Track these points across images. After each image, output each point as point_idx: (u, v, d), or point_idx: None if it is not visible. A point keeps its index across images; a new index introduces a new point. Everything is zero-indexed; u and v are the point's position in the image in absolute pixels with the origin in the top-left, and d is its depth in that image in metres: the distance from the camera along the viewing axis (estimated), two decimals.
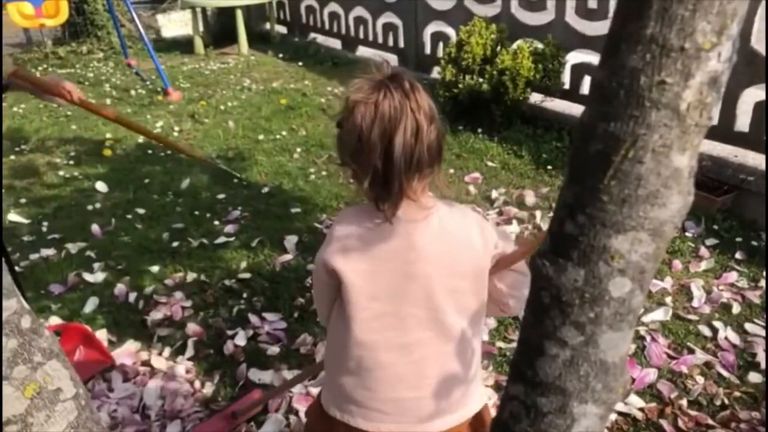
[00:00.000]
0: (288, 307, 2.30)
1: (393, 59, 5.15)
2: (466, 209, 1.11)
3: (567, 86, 3.77)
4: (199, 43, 6.40)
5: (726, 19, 0.56)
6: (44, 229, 2.94)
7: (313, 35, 6.46)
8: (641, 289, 0.69)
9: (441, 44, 4.58)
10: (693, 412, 1.79)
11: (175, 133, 4.20)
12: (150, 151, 3.83)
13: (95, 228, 2.91)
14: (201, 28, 6.52)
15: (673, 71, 0.57)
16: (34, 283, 2.49)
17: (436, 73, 4.36)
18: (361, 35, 5.62)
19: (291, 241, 2.74)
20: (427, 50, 4.86)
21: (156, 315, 2.27)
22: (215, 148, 3.92)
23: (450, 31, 4.53)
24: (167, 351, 2.11)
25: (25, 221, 3.03)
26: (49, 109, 4.58)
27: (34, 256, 2.70)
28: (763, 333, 2.08)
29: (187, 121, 4.42)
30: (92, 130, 4.20)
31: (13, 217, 3.05)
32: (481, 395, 1.16)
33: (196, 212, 3.05)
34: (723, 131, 2.90)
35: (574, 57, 3.76)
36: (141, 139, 3.93)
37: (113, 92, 5.17)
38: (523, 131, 3.73)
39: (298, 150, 3.79)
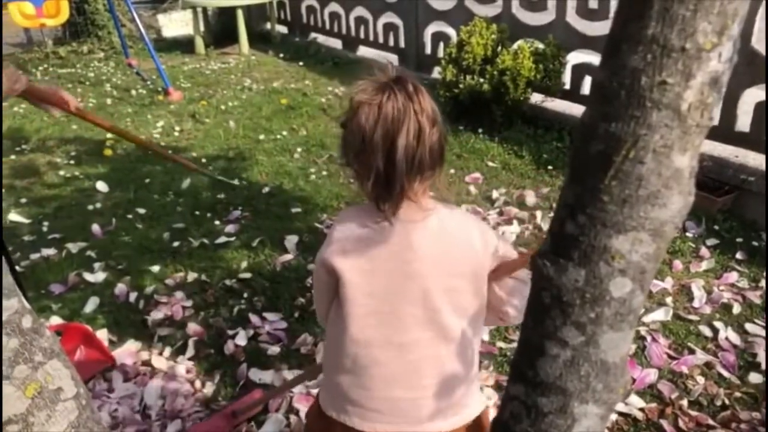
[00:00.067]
0: (288, 307, 2.30)
1: (393, 59, 5.15)
2: (467, 213, 1.12)
3: (568, 86, 3.77)
4: (199, 43, 6.40)
5: (727, 19, 0.56)
6: (45, 228, 2.94)
7: (313, 35, 6.46)
8: (642, 290, 0.69)
9: (441, 44, 4.58)
10: (693, 413, 1.78)
11: (176, 133, 4.20)
12: (150, 152, 3.83)
13: (96, 228, 2.92)
14: (202, 28, 6.52)
15: (674, 71, 0.57)
16: (35, 282, 2.49)
17: (436, 73, 4.36)
18: (362, 35, 5.62)
19: (291, 241, 2.74)
20: (428, 50, 4.85)
21: (156, 315, 2.27)
22: (216, 147, 3.92)
23: (451, 31, 4.53)
24: (168, 351, 2.11)
25: (26, 221, 3.03)
26: None
27: (34, 256, 2.70)
28: (763, 333, 2.08)
29: (187, 121, 4.42)
30: (93, 130, 4.20)
31: (13, 216, 3.05)
32: (480, 399, 1.15)
33: (197, 212, 3.05)
34: (724, 131, 2.90)
35: (575, 57, 3.75)
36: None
37: (114, 92, 5.17)
38: (524, 131, 3.73)
39: (299, 150, 3.79)
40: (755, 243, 2.58)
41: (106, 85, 5.37)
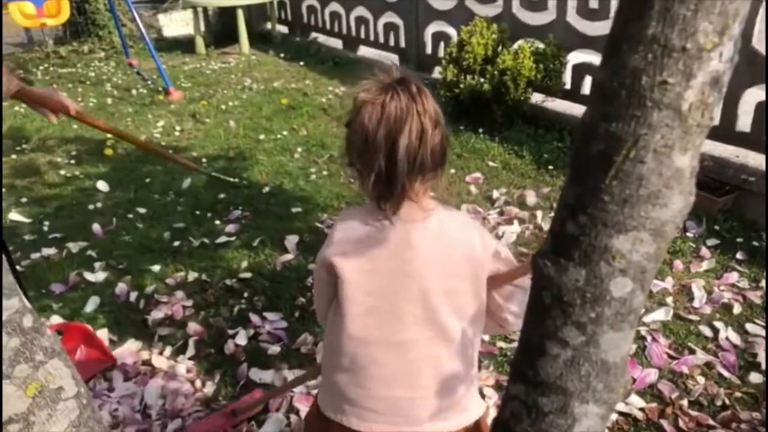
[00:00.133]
0: (289, 307, 2.30)
1: (394, 59, 5.15)
2: (467, 216, 1.12)
3: (568, 86, 3.77)
4: (200, 43, 6.40)
5: (728, 19, 0.56)
6: (45, 228, 2.94)
7: (314, 35, 6.47)
8: (642, 289, 0.69)
9: (442, 44, 4.58)
10: (694, 413, 1.78)
11: (177, 133, 4.20)
12: (151, 152, 3.83)
13: (96, 227, 2.92)
14: (202, 28, 6.52)
15: (675, 71, 0.57)
16: (36, 282, 2.49)
17: (437, 73, 4.36)
18: (363, 35, 5.62)
19: (292, 240, 2.74)
20: (428, 50, 4.85)
21: (157, 314, 2.28)
22: (216, 147, 3.92)
23: (451, 31, 4.53)
24: (168, 350, 2.11)
25: (27, 220, 3.03)
26: None
27: (35, 256, 2.70)
28: (763, 333, 2.08)
29: (188, 121, 4.42)
30: (93, 129, 4.20)
31: (14, 216, 3.05)
32: (480, 402, 1.15)
33: (197, 212, 3.05)
34: (724, 131, 2.90)
35: (576, 57, 3.75)
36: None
37: (114, 92, 5.17)
38: (524, 131, 3.73)
39: (299, 150, 3.79)
40: (756, 243, 2.58)
41: (106, 84, 5.37)
